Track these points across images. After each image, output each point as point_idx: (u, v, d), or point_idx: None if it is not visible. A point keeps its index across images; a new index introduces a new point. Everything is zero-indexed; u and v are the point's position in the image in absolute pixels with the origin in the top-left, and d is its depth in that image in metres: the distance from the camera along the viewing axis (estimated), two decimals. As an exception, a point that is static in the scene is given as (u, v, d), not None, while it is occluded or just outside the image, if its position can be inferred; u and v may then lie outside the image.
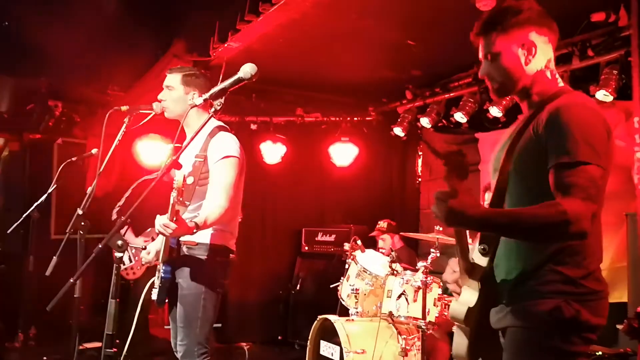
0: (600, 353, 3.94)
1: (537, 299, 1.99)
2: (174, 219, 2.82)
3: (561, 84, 2.19)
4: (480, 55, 2.21)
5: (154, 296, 3.27)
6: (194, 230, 2.96)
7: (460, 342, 2.12)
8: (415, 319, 4.21)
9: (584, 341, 2.00)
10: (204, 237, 3.19)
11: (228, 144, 3.28)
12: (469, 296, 2.06)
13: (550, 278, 1.99)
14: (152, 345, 5.83)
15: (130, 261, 5.76)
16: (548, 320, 1.97)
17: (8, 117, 6.26)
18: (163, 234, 2.88)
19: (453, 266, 2.21)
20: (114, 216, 5.57)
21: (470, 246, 2.11)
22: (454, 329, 2.15)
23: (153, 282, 3.33)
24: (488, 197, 4.88)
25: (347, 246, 5.05)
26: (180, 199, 2.77)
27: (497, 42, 2.14)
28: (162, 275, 3.20)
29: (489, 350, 2.11)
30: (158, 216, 2.88)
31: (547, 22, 2.17)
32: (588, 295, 2.00)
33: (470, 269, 2.06)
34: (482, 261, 2.05)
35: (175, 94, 3.37)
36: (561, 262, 2.00)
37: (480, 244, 2.06)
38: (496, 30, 2.13)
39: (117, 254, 2.28)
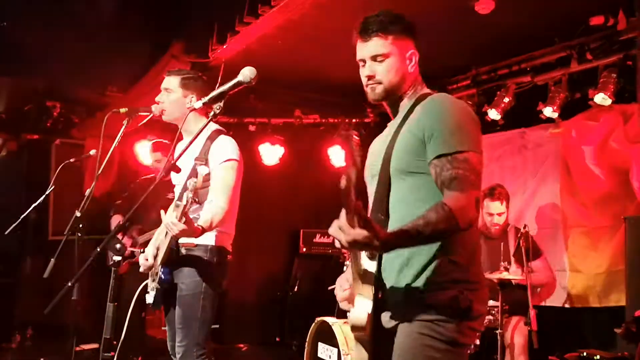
0: (598, 357, 3.94)
1: (434, 291, 2.02)
2: (183, 219, 2.82)
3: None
4: (367, 54, 2.19)
5: (150, 299, 3.27)
6: (200, 233, 2.98)
7: (361, 357, 2.11)
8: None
9: (472, 332, 2.07)
10: (202, 238, 3.19)
11: (228, 147, 3.29)
12: (364, 303, 2.04)
13: (445, 268, 2.03)
14: (149, 347, 5.81)
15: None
16: (445, 311, 2.00)
17: (6, 117, 6.26)
18: (172, 233, 2.88)
19: (342, 283, 2.23)
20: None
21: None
22: (354, 343, 2.14)
23: (146, 285, 3.32)
24: (487, 205, 4.85)
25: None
26: (196, 199, 2.76)
27: (391, 46, 2.17)
28: (161, 276, 3.20)
29: (389, 354, 2.10)
30: (165, 214, 2.88)
31: (417, 36, 2.25)
32: (476, 284, 2.07)
33: (363, 275, 2.06)
34: (371, 265, 2.07)
35: (173, 96, 3.37)
36: (453, 251, 2.04)
37: None
38: (392, 34, 2.17)
39: (115, 258, 2.27)
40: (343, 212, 1.78)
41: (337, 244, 1.90)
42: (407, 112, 2.18)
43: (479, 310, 2.06)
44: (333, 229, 1.81)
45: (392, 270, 2.08)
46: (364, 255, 2.09)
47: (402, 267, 2.06)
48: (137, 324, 5.70)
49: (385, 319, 2.09)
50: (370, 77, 2.20)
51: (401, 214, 2.08)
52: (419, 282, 2.03)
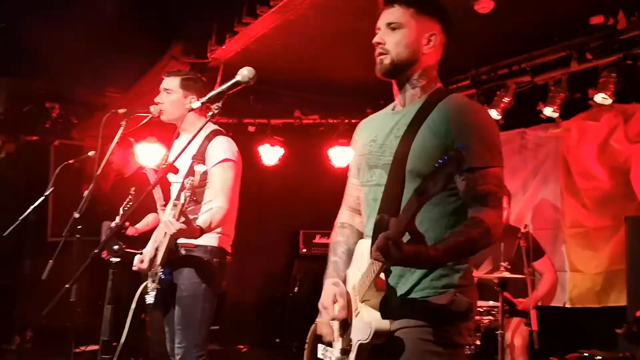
0: (599, 358, 3.93)
1: (433, 295, 1.98)
2: (182, 219, 2.81)
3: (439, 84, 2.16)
4: (384, 22, 2.10)
5: (150, 300, 3.26)
6: (199, 234, 2.97)
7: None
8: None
9: (469, 332, 2.11)
10: (204, 239, 3.19)
11: (226, 147, 3.29)
12: (372, 312, 1.98)
13: (442, 273, 2.00)
14: (149, 348, 5.80)
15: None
16: (447, 314, 1.97)
17: (5, 118, 6.25)
18: (169, 232, 2.87)
19: (335, 299, 2.11)
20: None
21: None
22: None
23: (146, 285, 3.31)
24: None
25: None
26: (194, 198, 2.75)
27: (410, 18, 2.06)
28: (161, 277, 3.19)
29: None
30: (164, 213, 2.87)
31: (451, 27, 2.15)
32: (470, 286, 2.05)
33: (378, 282, 1.98)
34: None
35: (173, 97, 3.36)
36: None
37: None
38: (415, 7, 2.07)
39: (113, 259, 2.26)
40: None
41: (373, 257, 1.81)
42: (421, 108, 2.05)
43: (473, 311, 2.07)
44: (382, 243, 1.68)
45: (394, 276, 2.04)
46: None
47: (405, 272, 2.02)
48: (137, 325, 5.69)
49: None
50: (378, 44, 2.08)
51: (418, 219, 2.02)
52: (419, 287, 2.00)
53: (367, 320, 1.96)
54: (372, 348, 1.97)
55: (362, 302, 2.00)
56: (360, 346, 1.98)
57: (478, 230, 1.87)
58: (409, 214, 1.67)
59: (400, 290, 2.02)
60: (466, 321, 2.04)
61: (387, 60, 2.08)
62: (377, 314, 1.97)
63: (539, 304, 4.83)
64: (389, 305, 2.01)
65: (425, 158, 1.96)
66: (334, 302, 2.09)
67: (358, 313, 2.02)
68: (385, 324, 1.95)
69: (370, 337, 1.95)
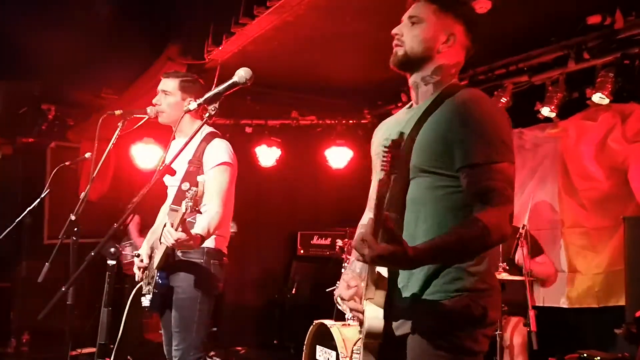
0: (598, 358, 3.93)
1: (445, 299, 1.93)
2: (180, 228, 2.78)
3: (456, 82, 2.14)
4: (407, 14, 2.12)
5: (146, 302, 3.25)
6: (200, 242, 2.96)
7: None
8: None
9: (486, 339, 1.99)
10: (200, 241, 3.17)
11: (222, 150, 3.28)
12: (376, 310, 1.95)
13: (455, 276, 1.94)
14: (146, 350, 5.78)
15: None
16: (458, 320, 1.91)
17: (0, 120, 6.23)
18: (167, 243, 2.84)
19: (349, 281, 2.10)
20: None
21: None
22: (361, 349, 2.04)
23: (140, 287, 3.30)
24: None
25: (340, 242, 5.04)
26: (197, 207, 2.71)
27: (431, 14, 2.07)
28: (158, 281, 3.17)
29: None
30: (166, 224, 2.86)
31: (475, 30, 2.13)
32: (488, 291, 1.97)
33: (377, 280, 1.97)
34: (385, 270, 1.98)
35: (171, 99, 3.35)
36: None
37: None
38: (437, 4, 2.07)
39: (110, 262, 2.24)
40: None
41: (355, 256, 1.81)
42: (431, 103, 2.03)
43: (492, 317, 1.96)
44: (357, 243, 1.71)
45: (403, 276, 2.00)
46: None
47: (413, 273, 1.98)
48: (134, 328, 5.68)
49: (396, 325, 2.01)
50: (396, 35, 2.09)
51: (418, 215, 1.98)
52: (430, 291, 1.95)
53: (365, 318, 1.95)
54: (381, 349, 1.94)
55: (366, 300, 1.98)
56: (364, 344, 1.97)
57: (472, 229, 1.80)
58: (381, 212, 1.67)
59: (410, 291, 1.98)
60: (481, 327, 1.95)
61: (400, 51, 2.08)
62: (376, 313, 1.94)
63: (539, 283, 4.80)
64: (399, 306, 1.98)
65: (428, 153, 1.95)
66: (350, 285, 2.09)
67: (363, 311, 2.00)
68: (378, 324, 1.92)
69: (363, 336, 1.94)
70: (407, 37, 2.07)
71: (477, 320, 1.93)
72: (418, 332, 1.95)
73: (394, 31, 2.10)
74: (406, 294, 1.99)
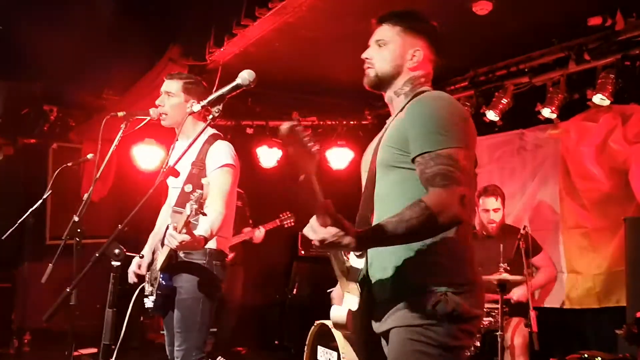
0: (599, 359, 3.93)
1: (418, 295, 1.97)
2: (184, 231, 2.79)
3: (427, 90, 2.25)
4: (373, 39, 2.27)
5: (149, 304, 3.26)
6: (204, 244, 2.96)
7: (352, 357, 2.12)
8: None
9: (466, 334, 2.01)
10: (202, 242, 3.18)
11: (225, 152, 3.29)
12: (350, 300, 2.04)
13: (428, 270, 1.99)
14: (148, 351, 5.80)
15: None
16: (431, 315, 1.95)
17: (2, 121, 6.24)
18: (171, 246, 2.85)
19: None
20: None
21: None
22: (341, 339, 2.15)
23: (143, 289, 3.30)
24: (482, 202, 4.89)
25: None
26: (201, 210, 2.72)
27: (396, 36, 2.22)
28: (161, 282, 3.18)
29: (379, 358, 2.09)
30: (169, 226, 2.87)
31: (439, 44, 2.28)
32: (465, 285, 2.00)
33: (347, 272, 2.06)
34: (359, 263, 2.07)
35: (174, 100, 3.35)
36: (436, 252, 1.99)
37: None
38: (401, 25, 2.23)
39: (114, 263, 2.25)
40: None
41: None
42: (400, 110, 2.17)
43: (469, 312, 1.98)
44: (306, 229, 1.84)
45: (378, 268, 2.06)
46: (352, 253, 2.08)
47: (386, 267, 2.04)
48: (138, 329, 5.69)
49: (376, 324, 2.07)
50: (366, 59, 2.25)
51: (383, 209, 2.05)
52: (402, 285, 2.00)
53: (332, 310, 2.06)
54: (364, 345, 2.06)
55: (346, 292, 2.07)
56: (342, 334, 2.12)
57: (414, 210, 1.85)
58: (319, 200, 1.83)
59: (386, 287, 2.04)
60: (459, 322, 1.98)
61: (372, 73, 2.25)
62: (347, 304, 2.03)
63: (536, 297, 4.83)
64: (377, 303, 2.06)
65: (390, 149, 2.08)
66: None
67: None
68: (341, 315, 2.01)
69: (331, 325, 2.01)
70: (376, 59, 2.24)
71: (450, 315, 1.96)
72: (396, 328, 2.00)
73: (363, 55, 2.27)
74: (383, 289, 2.05)
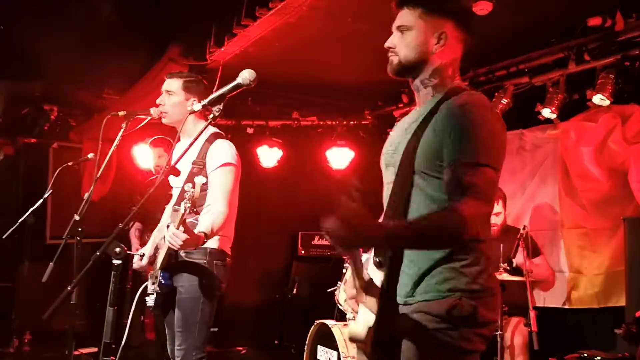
0: (598, 358, 3.94)
1: (435, 299, 1.96)
2: (182, 229, 2.80)
3: (459, 83, 2.18)
4: (395, 25, 2.17)
5: (150, 302, 3.26)
6: (204, 241, 2.96)
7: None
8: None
9: (481, 338, 2.00)
10: (204, 241, 3.18)
11: (226, 151, 3.29)
12: (367, 315, 2.00)
13: (446, 276, 1.97)
14: (149, 350, 5.80)
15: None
16: (449, 319, 1.94)
17: (3, 121, 6.25)
18: (173, 246, 2.85)
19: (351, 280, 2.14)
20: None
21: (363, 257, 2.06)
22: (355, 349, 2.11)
23: (146, 287, 3.31)
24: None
25: None
26: (195, 209, 2.74)
27: (418, 19, 2.11)
28: (162, 281, 3.19)
29: None
30: (169, 225, 2.87)
31: (467, 21, 2.17)
32: (482, 292, 1.99)
33: (366, 286, 2.01)
34: (378, 274, 2.02)
35: (175, 99, 3.36)
36: (456, 259, 1.98)
37: (375, 256, 2.04)
38: (422, 7, 2.11)
39: (115, 262, 2.26)
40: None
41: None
42: (433, 107, 2.06)
43: (485, 317, 1.98)
44: (331, 226, 1.82)
45: (394, 275, 2.03)
46: (371, 264, 2.04)
47: (404, 274, 2.02)
48: (139, 328, 5.69)
49: (392, 326, 2.04)
50: (389, 48, 2.15)
51: (414, 215, 2.02)
52: (422, 290, 1.99)
53: (353, 322, 2.02)
54: (378, 348, 1.98)
55: (361, 303, 2.03)
56: (356, 345, 2.03)
57: (447, 215, 1.84)
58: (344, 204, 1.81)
59: (403, 290, 2.02)
60: (474, 327, 1.97)
61: (395, 60, 2.14)
62: (364, 318, 1.99)
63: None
64: (393, 306, 2.02)
65: (429, 157, 2.00)
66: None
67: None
68: (360, 331, 1.98)
69: (348, 339, 1.99)
70: (400, 46, 2.13)
71: (466, 319, 1.95)
72: (412, 331, 1.99)
73: (386, 44, 2.16)
74: (400, 293, 2.03)
